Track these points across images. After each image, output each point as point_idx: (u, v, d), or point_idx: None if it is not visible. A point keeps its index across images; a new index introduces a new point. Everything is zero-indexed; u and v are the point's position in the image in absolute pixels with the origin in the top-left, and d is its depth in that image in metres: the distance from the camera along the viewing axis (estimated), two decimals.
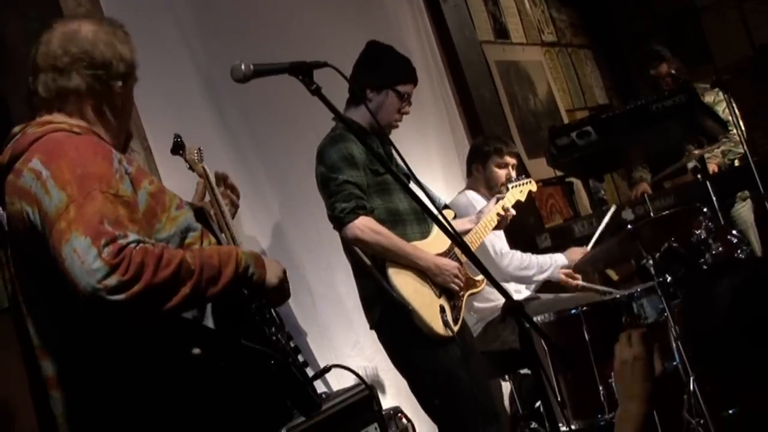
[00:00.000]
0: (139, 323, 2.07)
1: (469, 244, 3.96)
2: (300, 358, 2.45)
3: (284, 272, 2.33)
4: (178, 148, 2.86)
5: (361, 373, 4.03)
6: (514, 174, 4.79)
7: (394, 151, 3.80)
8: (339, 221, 3.55)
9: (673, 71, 5.98)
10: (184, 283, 2.01)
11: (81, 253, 1.90)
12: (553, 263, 4.72)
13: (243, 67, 2.35)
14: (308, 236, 4.33)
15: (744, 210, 5.89)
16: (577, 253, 4.78)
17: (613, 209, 5.11)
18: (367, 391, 3.81)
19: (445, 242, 3.76)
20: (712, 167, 5.84)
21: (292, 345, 2.44)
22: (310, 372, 2.40)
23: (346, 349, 4.34)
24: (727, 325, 1.96)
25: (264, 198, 4.28)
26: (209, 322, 2.18)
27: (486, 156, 4.83)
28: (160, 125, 3.68)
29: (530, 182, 4.61)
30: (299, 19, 4.85)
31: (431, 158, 5.55)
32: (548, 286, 4.87)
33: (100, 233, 1.92)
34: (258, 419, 2.23)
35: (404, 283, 3.54)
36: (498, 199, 4.24)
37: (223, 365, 2.16)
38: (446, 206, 4.03)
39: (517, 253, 4.70)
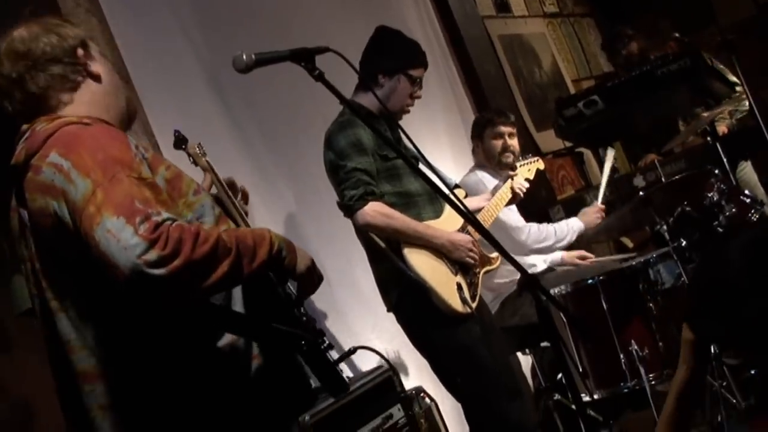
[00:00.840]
0: (175, 305, 2.06)
1: (482, 222, 3.98)
2: (325, 340, 2.46)
3: (312, 261, 2.32)
4: (180, 142, 2.85)
5: (375, 353, 4.05)
6: (511, 142, 4.79)
7: (402, 135, 3.83)
8: (349, 209, 3.55)
9: (643, 46, 5.98)
10: (221, 261, 1.97)
11: (116, 232, 1.87)
12: (570, 229, 4.77)
13: (244, 56, 2.33)
14: (320, 222, 4.33)
15: (747, 170, 5.87)
16: (590, 213, 4.83)
17: (610, 154, 5.10)
18: (389, 372, 3.83)
19: (459, 220, 3.76)
20: (722, 128, 5.81)
21: (317, 328, 2.44)
22: (334, 355, 2.40)
23: (366, 333, 4.36)
24: (740, 285, 1.96)
25: (275, 187, 4.29)
26: (238, 307, 2.18)
27: (481, 129, 4.86)
28: (166, 120, 3.68)
29: (538, 160, 4.65)
30: (300, 6, 4.84)
31: (439, 137, 5.55)
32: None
33: (134, 212, 1.90)
34: (285, 403, 2.24)
35: (420, 263, 3.54)
36: (509, 177, 4.27)
37: (253, 347, 2.16)
38: (457, 185, 4.03)
39: (534, 225, 4.73)
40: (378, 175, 3.61)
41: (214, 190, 2.68)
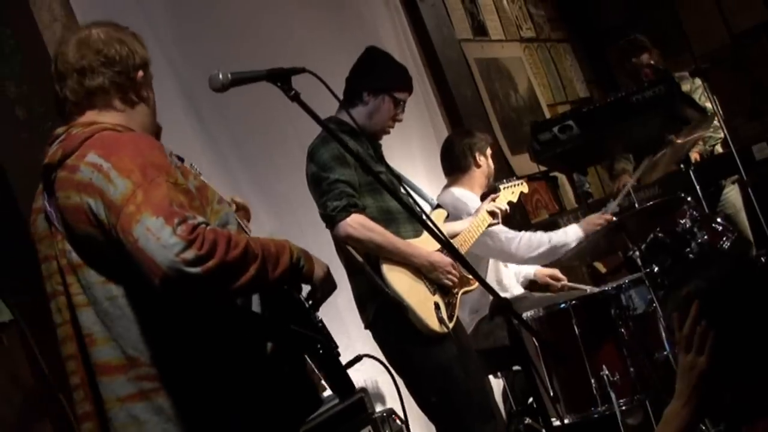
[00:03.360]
0: (206, 302, 2.16)
1: (463, 243, 4.00)
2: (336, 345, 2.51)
3: (328, 268, 2.44)
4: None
5: (353, 375, 4.02)
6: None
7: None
8: (331, 219, 3.54)
9: (652, 62, 5.99)
10: (250, 265, 2.09)
11: (155, 231, 1.98)
12: (568, 237, 4.54)
13: (221, 76, 2.35)
14: (293, 239, 4.30)
15: (732, 194, 5.90)
16: (592, 220, 4.58)
17: (641, 166, 5.14)
18: (361, 394, 3.82)
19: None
20: (694, 155, 5.86)
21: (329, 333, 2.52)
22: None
23: (344, 343, 4.33)
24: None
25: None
26: (258, 309, 2.27)
27: (485, 148, 4.77)
28: None
29: (522, 183, 4.63)
30: (276, 23, 4.84)
31: (414, 159, 5.55)
32: (539, 285, 4.86)
33: (172, 213, 2.00)
34: (294, 405, 2.32)
35: (398, 280, 3.53)
36: (491, 199, 4.27)
37: (274, 350, 2.26)
38: (438, 205, 4.01)
39: (526, 235, 4.56)
40: (360, 188, 3.59)
41: None
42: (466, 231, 4.07)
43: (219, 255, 2.01)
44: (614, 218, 4.53)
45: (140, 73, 2.35)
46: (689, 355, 1.92)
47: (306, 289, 2.41)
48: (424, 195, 3.94)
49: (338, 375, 2.37)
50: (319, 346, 2.31)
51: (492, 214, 4.18)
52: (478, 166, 4.74)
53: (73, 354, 2.25)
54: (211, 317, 2.19)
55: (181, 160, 2.81)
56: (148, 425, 2.17)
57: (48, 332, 2.40)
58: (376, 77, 3.77)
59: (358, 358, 2.74)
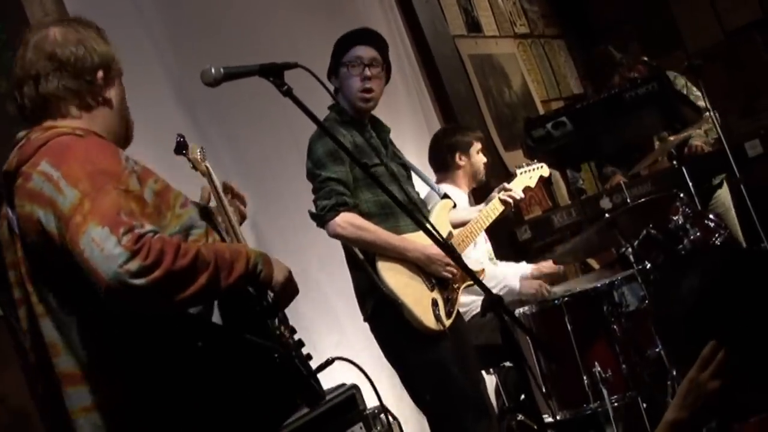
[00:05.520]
0: (153, 315, 2.12)
1: (470, 234, 3.92)
2: (303, 351, 2.48)
3: (290, 272, 2.37)
4: (181, 147, 2.83)
5: (341, 374, 4.02)
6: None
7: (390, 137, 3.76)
8: (319, 219, 3.52)
9: (645, 57, 6.00)
10: (200, 273, 2.05)
11: (100, 241, 1.95)
12: (505, 278, 4.61)
13: (213, 70, 2.34)
14: (286, 236, 4.31)
15: (723, 193, 5.91)
16: (530, 284, 4.64)
17: None
18: (353, 390, 3.81)
19: (442, 231, 3.68)
20: (697, 143, 5.85)
21: (295, 338, 2.48)
22: (313, 364, 2.46)
23: (329, 349, 4.33)
24: (689, 322, 1.94)
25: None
26: (216, 318, 2.23)
27: (469, 145, 4.79)
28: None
29: (542, 167, 4.47)
30: (269, 20, 4.83)
31: (408, 155, 5.51)
32: None
33: (118, 223, 1.97)
34: (261, 412, 2.28)
35: (394, 277, 3.50)
36: (503, 188, 4.12)
37: (227, 357, 2.22)
38: (446, 195, 3.92)
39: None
40: (357, 183, 3.55)
41: (213, 203, 2.67)
42: (474, 221, 3.97)
43: (165, 265, 1.97)
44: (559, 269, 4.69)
45: (100, 74, 2.30)
46: (703, 374, 1.89)
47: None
48: (432, 184, 3.89)
49: (301, 383, 2.33)
50: (276, 355, 2.26)
51: (504, 203, 4.06)
52: (458, 167, 4.77)
53: (36, 364, 2.23)
54: (161, 327, 2.15)
55: (186, 145, 2.79)
56: None
57: None
58: (331, 60, 3.69)
59: (329, 362, 2.70)
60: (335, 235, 3.50)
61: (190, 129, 4.12)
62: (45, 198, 2.07)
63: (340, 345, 4.36)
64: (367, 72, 3.61)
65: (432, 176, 4.68)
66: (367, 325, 3.72)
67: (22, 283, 2.22)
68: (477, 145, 4.81)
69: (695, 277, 1.96)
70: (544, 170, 4.46)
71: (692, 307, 1.93)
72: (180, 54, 4.19)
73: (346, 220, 3.47)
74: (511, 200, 4.05)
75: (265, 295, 2.34)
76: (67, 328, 2.16)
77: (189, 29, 4.34)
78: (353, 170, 3.53)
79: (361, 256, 3.53)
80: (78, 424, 2.16)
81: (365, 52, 3.63)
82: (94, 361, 2.16)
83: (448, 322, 3.58)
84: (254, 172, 4.40)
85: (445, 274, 3.61)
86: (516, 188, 4.14)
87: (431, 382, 3.58)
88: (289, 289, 2.37)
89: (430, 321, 3.51)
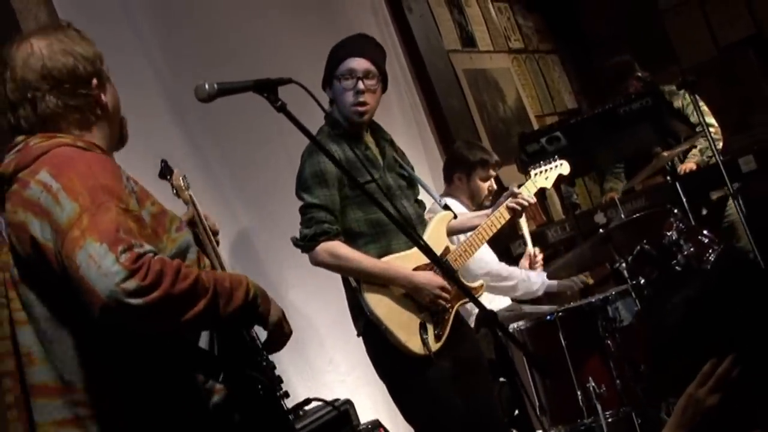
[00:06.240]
0: (146, 336, 2.07)
1: (473, 243, 3.74)
2: (282, 387, 2.45)
3: (283, 313, 2.33)
4: (165, 172, 2.83)
5: (339, 388, 4.02)
6: (494, 185, 4.77)
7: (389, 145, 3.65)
8: (301, 249, 3.47)
9: (639, 73, 6.03)
10: (199, 299, 2.00)
11: (97, 258, 1.90)
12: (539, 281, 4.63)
13: (207, 86, 2.33)
14: (278, 254, 4.29)
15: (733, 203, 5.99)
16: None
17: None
18: (347, 405, 3.80)
19: (439, 246, 3.57)
20: (690, 165, 5.88)
21: (276, 374, 2.44)
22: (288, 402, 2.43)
23: (323, 366, 4.32)
24: (676, 338, 1.94)
25: (234, 215, 4.26)
26: (203, 344, 2.20)
27: (471, 167, 4.74)
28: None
29: (561, 165, 4.11)
30: (263, 34, 4.83)
31: None
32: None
33: (117, 240, 1.92)
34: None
35: (379, 302, 3.41)
36: (512, 193, 3.82)
37: (217, 386, 2.18)
38: (447, 206, 3.77)
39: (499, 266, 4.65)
40: (347, 201, 3.46)
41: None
42: (476, 233, 3.76)
43: (164, 287, 1.92)
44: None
45: (94, 82, 2.24)
46: (701, 390, 1.89)
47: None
48: (434, 195, 3.76)
49: (279, 418, 2.31)
50: (259, 386, 2.24)
51: (511, 211, 3.79)
52: (456, 185, 4.78)
53: (10, 371, 2.16)
54: (152, 349, 2.11)
55: (170, 171, 2.79)
56: None
57: None
58: (325, 71, 3.59)
59: (306, 401, 2.69)
60: (316, 265, 3.45)
61: (184, 143, 4.12)
62: (41, 208, 2.02)
63: (332, 362, 4.36)
64: (361, 85, 3.51)
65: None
66: None
67: (4, 288, 2.17)
68: (480, 172, 4.74)
69: (689, 288, 1.97)
70: (564, 168, 4.10)
71: (684, 317, 1.93)
72: (173, 65, 4.19)
73: (326, 250, 3.40)
74: (519, 207, 3.79)
75: (252, 327, 2.30)
76: (49, 340, 2.10)
77: (182, 40, 4.33)
78: (342, 190, 3.46)
79: (351, 281, 3.47)
80: None
81: (358, 64, 3.53)
82: (78, 375, 2.10)
83: (436, 347, 3.45)
84: (248, 185, 4.40)
85: (433, 304, 3.46)
86: (527, 192, 3.86)
87: (419, 404, 3.49)
88: (282, 330, 2.32)
89: (415, 346, 3.41)
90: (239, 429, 2.23)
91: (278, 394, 2.32)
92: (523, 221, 4.79)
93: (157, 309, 1.93)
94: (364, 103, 3.53)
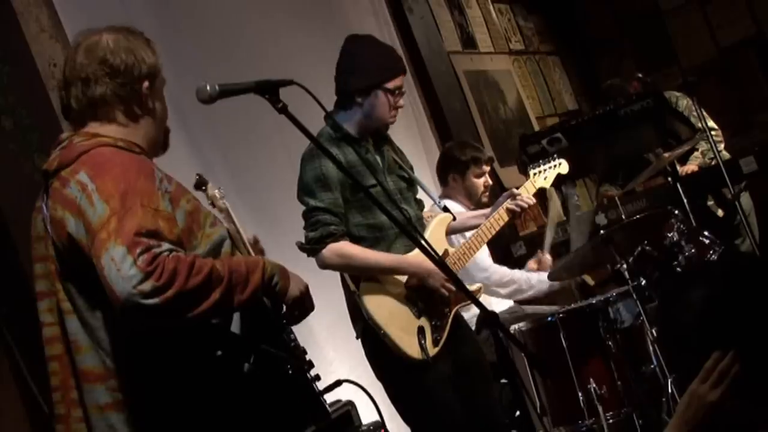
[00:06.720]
0: (170, 326, 2.18)
1: (469, 249, 3.75)
2: (313, 371, 2.47)
3: (306, 287, 2.43)
4: (200, 184, 2.87)
5: (339, 389, 4.00)
6: (488, 179, 4.79)
7: (394, 155, 3.65)
8: (308, 252, 3.46)
9: (640, 74, 6.04)
10: (214, 289, 2.13)
11: (118, 261, 2.03)
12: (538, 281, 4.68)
13: (208, 87, 2.33)
14: (279, 256, 4.23)
15: (744, 199, 6.08)
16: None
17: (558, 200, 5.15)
18: (348, 406, 3.79)
19: (438, 248, 3.50)
20: (692, 167, 5.89)
21: (307, 358, 2.48)
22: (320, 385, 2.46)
23: (323, 367, 4.32)
24: (696, 333, 1.94)
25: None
26: (235, 327, 2.29)
27: (464, 166, 4.76)
28: None
29: (560, 164, 4.10)
30: (265, 35, 4.84)
31: None
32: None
33: (136, 243, 2.04)
34: (273, 423, 2.31)
35: (378, 306, 3.42)
36: (511, 194, 3.80)
37: (247, 368, 2.27)
38: (446, 208, 3.77)
39: (500, 269, 4.68)
40: (347, 205, 3.45)
41: None
42: (474, 235, 3.76)
43: (178, 284, 2.05)
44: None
45: (146, 84, 2.35)
46: (703, 386, 1.89)
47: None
48: (433, 197, 3.78)
49: (308, 397, 2.35)
50: (288, 366, 2.30)
51: (510, 212, 3.77)
52: (452, 185, 4.80)
53: (58, 355, 2.30)
54: (181, 335, 2.21)
55: (205, 182, 2.83)
56: None
57: (28, 341, 2.40)
58: (362, 75, 3.52)
59: (337, 383, 2.70)
60: (324, 267, 3.44)
61: (184, 144, 4.12)
62: (78, 208, 2.15)
63: (332, 364, 4.36)
64: (401, 102, 3.63)
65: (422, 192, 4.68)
66: None
67: (48, 278, 2.29)
68: (474, 169, 4.76)
69: (704, 286, 1.96)
70: (563, 167, 4.09)
71: (702, 315, 1.92)
72: (174, 66, 4.17)
73: (334, 252, 3.40)
74: (518, 209, 3.76)
75: (281, 309, 2.38)
76: (91, 329, 2.23)
77: (183, 42, 4.33)
78: (344, 193, 3.45)
79: (350, 285, 3.47)
80: (94, 420, 2.23)
81: (402, 81, 3.61)
82: (115, 362, 2.22)
83: (434, 351, 3.45)
84: (247, 183, 4.40)
85: (443, 291, 3.47)
86: (526, 193, 3.84)
87: (417, 408, 3.51)
88: (303, 304, 2.42)
89: (413, 351, 3.41)
90: (271, 410, 2.29)
91: (309, 376, 2.37)
92: (550, 229, 4.95)
93: (172, 305, 2.06)
94: (395, 115, 3.63)
